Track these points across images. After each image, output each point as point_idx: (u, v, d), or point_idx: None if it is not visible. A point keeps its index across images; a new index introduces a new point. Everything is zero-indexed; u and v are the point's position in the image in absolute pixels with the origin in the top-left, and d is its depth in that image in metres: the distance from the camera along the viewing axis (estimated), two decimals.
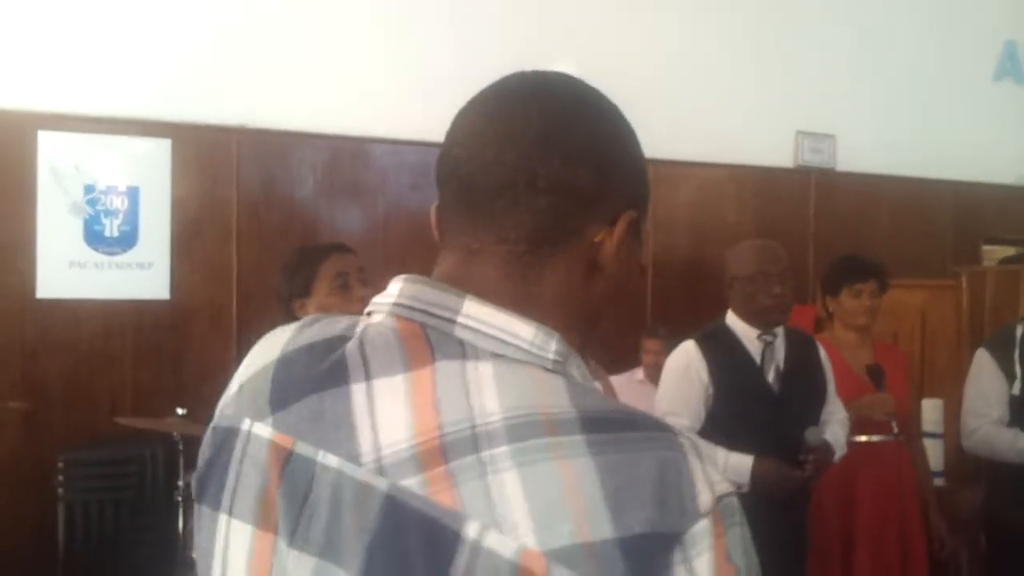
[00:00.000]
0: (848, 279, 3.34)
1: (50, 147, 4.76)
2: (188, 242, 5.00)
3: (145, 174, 4.93)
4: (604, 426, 0.70)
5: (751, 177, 6.29)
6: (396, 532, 0.69)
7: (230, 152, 5.06)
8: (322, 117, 5.10)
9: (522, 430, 0.69)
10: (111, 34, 4.85)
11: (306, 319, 0.89)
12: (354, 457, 0.73)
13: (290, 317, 2.48)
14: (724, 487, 0.70)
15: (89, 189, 4.84)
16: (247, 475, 0.79)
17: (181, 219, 4.98)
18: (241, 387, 0.85)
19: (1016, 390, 3.15)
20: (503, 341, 0.76)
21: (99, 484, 4.62)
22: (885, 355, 3.35)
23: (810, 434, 2.73)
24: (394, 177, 5.35)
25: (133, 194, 4.92)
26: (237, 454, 0.81)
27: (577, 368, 0.79)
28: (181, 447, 4.02)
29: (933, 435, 3.51)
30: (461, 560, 0.66)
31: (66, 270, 4.80)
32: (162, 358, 4.84)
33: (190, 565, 3.40)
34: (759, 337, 2.85)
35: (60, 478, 4.57)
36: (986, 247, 6.70)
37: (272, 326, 0.95)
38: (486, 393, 0.72)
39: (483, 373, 0.73)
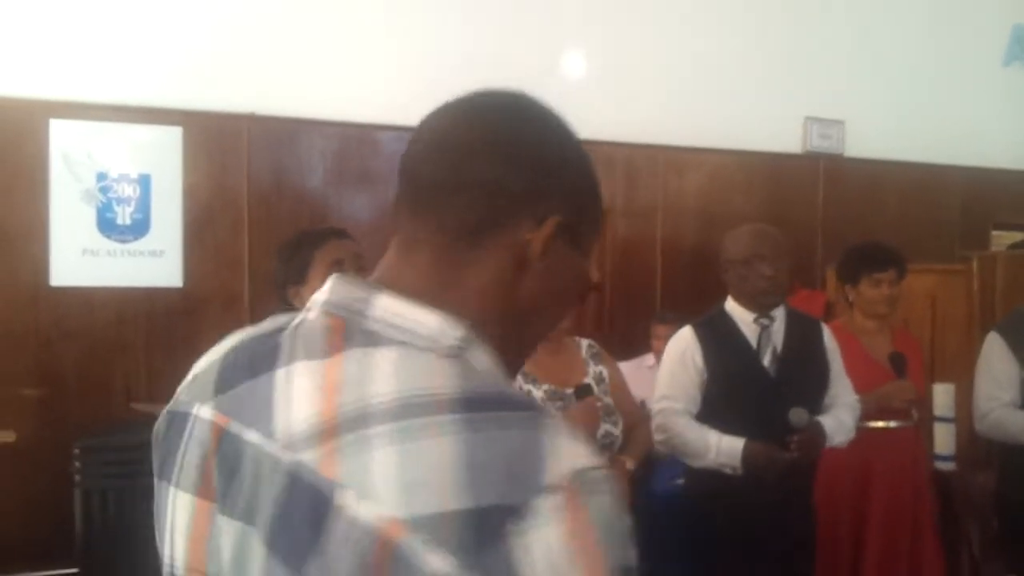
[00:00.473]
0: (867, 268, 3.31)
1: (62, 135, 4.75)
2: (200, 230, 4.99)
3: (156, 162, 4.92)
4: (481, 406, 0.75)
5: (760, 163, 6.25)
6: (292, 501, 0.76)
7: (240, 139, 5.05)
8: (331, 105, 5.08)
9: (408, 410, 0.74)
10: (122, 22, 4.84)
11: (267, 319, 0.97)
12: (270, 434, 0.80)
13: (285, 303, 2.42)
14: (585, 461, 0.73)
15: (101, 177, 4.84)
16: (191, 452, 0.88)
17: (192, 207, 4.97)
18: (195, 376, 0.95)
19: None
20: (409, 330, 0.82)
21: (115, 470, 4.62)
22: (903, 342, 3.34)
23: (794, 415, 2.70)
24: None
25: (145, 182, 4.91)
26: (185, 435, 0.90)
27: (483, 354, 0.84)
28: None
29: (945, 419, 3.49)
30: (334, 526, 0.72)
31: (79, 258, 4.80)
32: (175, 345, 4.83)
33: None
34: (756, 321, 2.84)
35: (76, 464, 4.57)
36: (995, 232, 6.67)
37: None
38: (384, 377, 0.78)
39: (386, 358, 0.80)
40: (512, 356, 0.92)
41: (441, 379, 0.77)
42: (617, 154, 5.91)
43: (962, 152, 6.57)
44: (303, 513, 0.74)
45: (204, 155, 5.01)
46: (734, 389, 2.80)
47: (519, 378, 2.57)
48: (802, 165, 6.40)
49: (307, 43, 5.15)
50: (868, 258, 3.32)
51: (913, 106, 6.51)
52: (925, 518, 3.26)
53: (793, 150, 6.38)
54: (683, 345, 2.88)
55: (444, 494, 0.70)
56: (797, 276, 5.90)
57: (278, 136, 5.08)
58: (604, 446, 2.59)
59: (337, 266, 2.37)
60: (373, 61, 5.25)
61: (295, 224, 4.92)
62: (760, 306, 2.83)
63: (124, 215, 4.88)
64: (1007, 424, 3.11)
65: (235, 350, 0.92)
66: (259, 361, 0.87)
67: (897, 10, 6.52)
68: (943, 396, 3.48)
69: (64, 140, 4.75)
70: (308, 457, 0.76)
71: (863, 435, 3.20)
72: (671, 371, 2.86)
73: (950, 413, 3.48)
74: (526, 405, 0.77)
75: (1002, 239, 6.64)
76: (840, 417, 2.86)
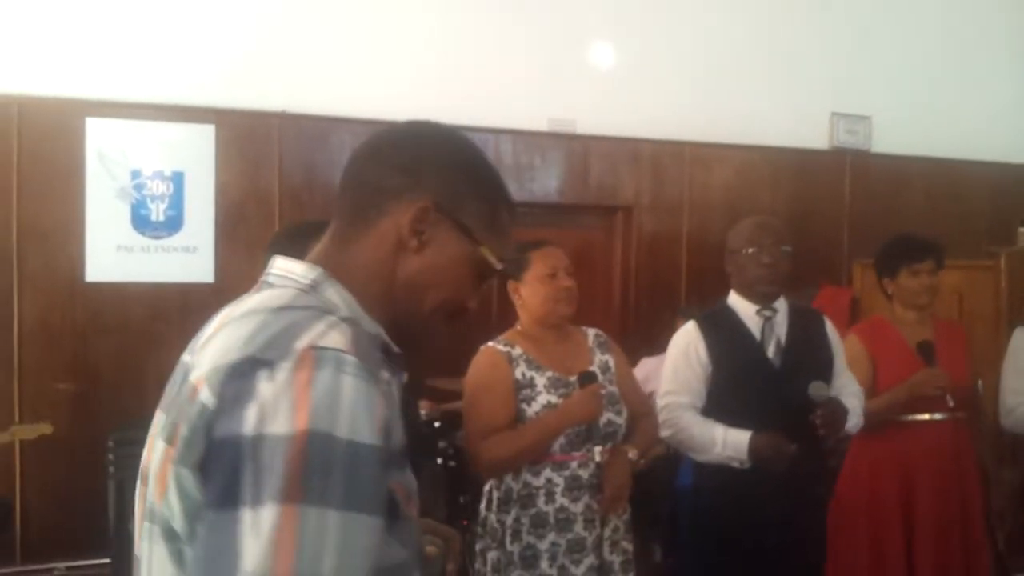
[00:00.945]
0: (906, 259, 3.27)
1: (97, 134, 4.80)
2: (232, 226, 5.03)
3: (189, 159, 4.96)
4: (289, 308, 1.05)
5: (786, 159, 6.21)
6: (176, 382, 1.07)
7: (272, 137, 5.08)
8: (362, 102, 5.09)
9: (246, 314, 1.05)
10: (156, 23, 4.88)
11: None
12: (190, 351, 1.10)
13: None
14: (329, 342, 0.97)
15: (135, 174, 4.88)
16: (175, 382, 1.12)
17: (225, 204, 5.01)
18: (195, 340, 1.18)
19: None
20: (285, 277, 1.13)
21: None
22: (945, 331, 3.30)
23: (814, 388, 2.67)
24: None
25: (178, 179, 4.95)
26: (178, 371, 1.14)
27: (333, 291, 1.11)
28: None
29: None
30: (180, 391, 1.02)
31: (114, 254, 4.85)
32: None
33: None
34: (758, 312, 2.83)
35: (110, 456, 4.62)
36: (1022, 229, 6.57)
37: None
38: (251, 302, 1.08)
39: (260, 293, 1.11)
40: (406, 322, 1.16)
41: (279, 298, 1.07)
42: (643, 150, 5.89)
43: (989, 148, 6.52)
44: (177, 387, 1.04)
45: (236, 153, 5.04)
46: (739, 381, 2.78)
47: (522, 364, 2.59)
48: (828, 161, 6.35)
49: (337, 42, 5.17)
50: (906, 249, 3.29)
51: (939, 102, 6.45)
52: (974, 512, 3.21)
53: (819, 146, 6.35)
54: (687, 340, 2.88)
55: (228, 354, 0.98)
56: (823, 272, 5.87)
57: (309, 134, 5.10)
58: (607, 435, 2.58)
59: None
60: (402, 59, 5.26)
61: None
62: (760, 296, 2.83)
63: (158, 212, 4.92)
64: None
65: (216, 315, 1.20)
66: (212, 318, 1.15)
67: (923, 7, 6.46)
68: None
69: (99, 138, 4.80)
70: (190, 356, 1.07)
71: (903, 429, 3.19)
72: (675, 366, 2.86)
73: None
74: (323, 311, 1.04)
75: None
76: (851, 404, 2.84)
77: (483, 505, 2.68)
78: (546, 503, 2.53)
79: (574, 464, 2.54)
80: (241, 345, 0.98)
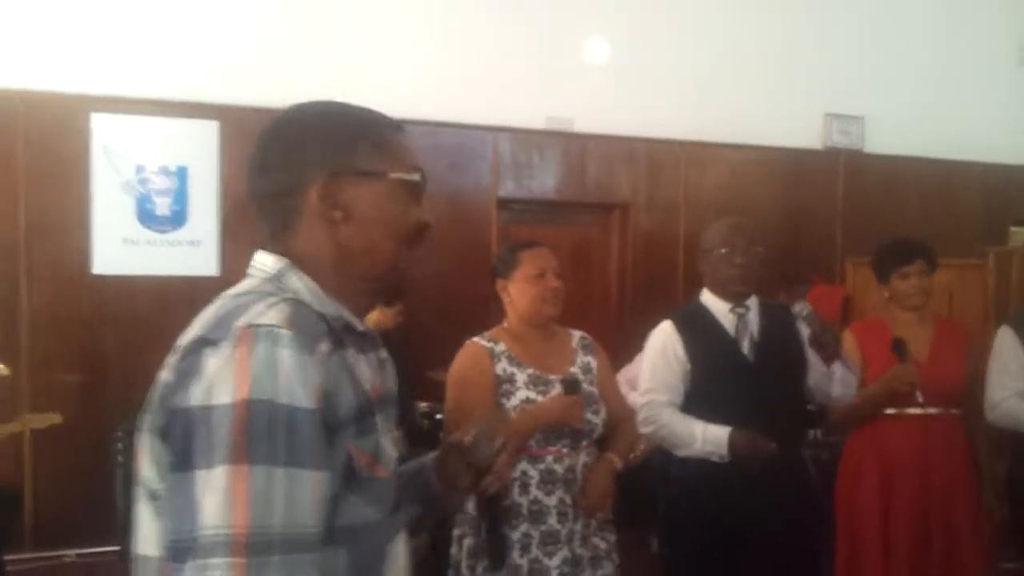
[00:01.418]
0: (894, 263, 3.32)
1: (103, 129, 4.84)
2: (236, 221, 5.05)
3: (194, 155, 5.00)
4: (248, 293, 1.15)
5: (780, 159, 6.25)
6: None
7: None
8: (362, 99, 5.09)
9: (219, 300, 1.17)
10: (161, 20, 4.92)
11: None
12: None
13: None
14: (265, 319, 1.07)
15: (140, 169, 4.92)
16: None
17: (229, 198, 5.04)
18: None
19: None
20: (259, 268, 1.22)
21: None
22: (945, 330, 3.35)
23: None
24: (432, 158, 5.36)
25: (182, 174, 4.99)
26: None
27: (295, 278, 1.20)
28: None
29: None
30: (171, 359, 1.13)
31: (120, 247, 4.89)
32: None
33: None
34: (732, 310, 2.87)
35: (119, 445, 4.66)
36: (1014, 228, 6.62)
37: None
38: (230, 291, 1.19)
39: (240, 283, 1.22)
40: (381, 278, 1.27)
41: (242, 286, 1.20)
42: (640, 149, 5.93)
43: (981, 149, 6.55)
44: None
45: (240, 148, 5.05)
46: (716, 377, 2.82)
47: (504, 359, 2.64)
48: (822, 161, 6.39)
49: (338, 40, 5.21)
50: (894, 253, 3.33)
51: (932, 102, 6.49)
52: (963, 509, 3.24)
53: (813, 146, 6.38)
54: (664, 338, 2.90)
55: (188, 335, 1.10)
56: (816, 269, 5.91)
57: None
58: (584, 433, 2.62)
59: None
60: (403, 58, 5.29)
61: None
62: (732, 295, 2.87)
63: (163, 206, 4.95)
64: (1018, 413, 3.13)
65: None
66: None
67: (916, 8, 6.49)
68: None
69: (105, 133, 4.84)
70: (185, 338, 1.14)
71: (885, 424, 3.25)
72: (653, 364, 2.89)
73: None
74: (270, 292, 1.15)
75: (1022, 235, 6.60)
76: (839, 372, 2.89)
77: None
78: (520, 495, 2.56)
79: (549, 458, 2.58)
80: (198, 328, 1.10)
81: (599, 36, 5.73)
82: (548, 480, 2.57)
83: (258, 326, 1.06)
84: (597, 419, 2.65)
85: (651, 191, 5.97)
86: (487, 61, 5.44)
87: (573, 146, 5.80)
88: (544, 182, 5.78)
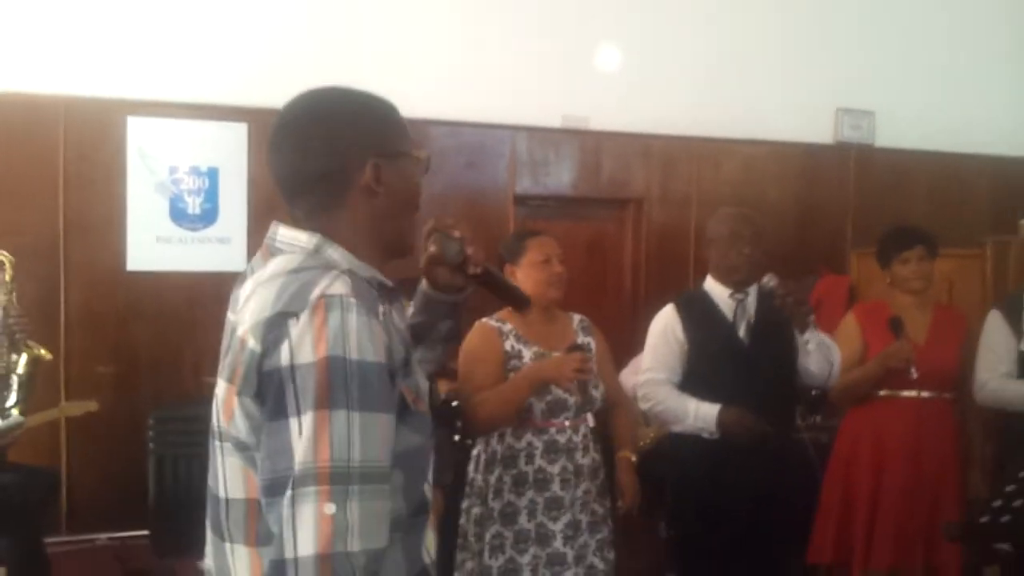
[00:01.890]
0: (895, 249, 3.42)
1: (138, 131, 4.99)
2: (263, 218, 5.09)
3: (224, 156, 5.14)
4: (302, 270, 1.29)
5: (791, 153, 6.32)
6: (226, 340, 1.35)
7: None
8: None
9: (271, 278, 1.30)
10: (193, 28, 5.07)
11: None
12: (232, 311, 1.37)
13: None
14: (334, 291, 1.24)
15: (173, 170, 5.08)
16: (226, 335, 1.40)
17: (257, 197, 5.17)
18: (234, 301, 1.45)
19: None
20: (292, 243, 1.37)
21: (186, 439, 4.82)
22: (944, 316, 3.45)
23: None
24: (452, 157, 5.48)
25: (213, 174, 5.14)
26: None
27: (332, 251, 1.35)
28: None
29: None
30: (232, 344, 1.30)
31: (153, 244, 5.04)
32: None
33: None
34: (731, 296, 2.99)
35: (150, 433, 4.79)
36: (1023, 221, 6.62)
37: None
38: (271, 266, 1.33)
39: (277, 258, 1.35)
40: (394, 246, 1.44)
41: (292, 261, 1.32)
42: (653, 145, 6.02)
43: (991, 142, 6.58)
44: (227, 343, 1.33)
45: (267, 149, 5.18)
46: (713, 358, 2.98)
47: (511, 338, 2.80)
48: (833, 155, 6.45)
49: (361, 45, 5.32)
50: (896, 239, 3.43)
51: (942, 97, 6.52)
52: (950, 492, 3.32)
53: (824, 140, 6.44)
54: (665, 321, 3.07)
55: (263, 311, 1.25)
56: (826, 262, 5.97)
57: None
58: (582, 406, 2.76)
59: None
60: (424, 59, 5.40)
61: None
62: (736, 281, 3.00)
63: (194, 205, 5.11)
64: (1003, 392, 3.23)
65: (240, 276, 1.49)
66: (240, 279, 1.42)
67: (924, 3, 6.53)
68: None
69: (140, 136, 4.99)
70: (232, 316, 1.35)
71: (880, 405, 3.35)
72: (655, 344, 3.06)
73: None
74: (325, 267, 1.30)
75: None
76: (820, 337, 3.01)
77: (471, 467, 2.88)
78: (526, 464, 2.73)
79: (552, 430, 2.76)
80: (272, 303, 1.25)
81: (612, 37, 5.81)
82: (552, 450, 2.74)
83: (330, 296, 1.22)
84: (596, 393, 2.80)
85: (664, 186, 6.07)
86: (505, 63, 5.54)
87: (588, 143, 5.89)
88: (560, 178, 5.88)
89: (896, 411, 3.31)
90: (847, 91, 6.40)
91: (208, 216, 5.14)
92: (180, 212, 5.09)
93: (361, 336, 1.22)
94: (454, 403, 4.75)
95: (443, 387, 4.80)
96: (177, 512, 4.73)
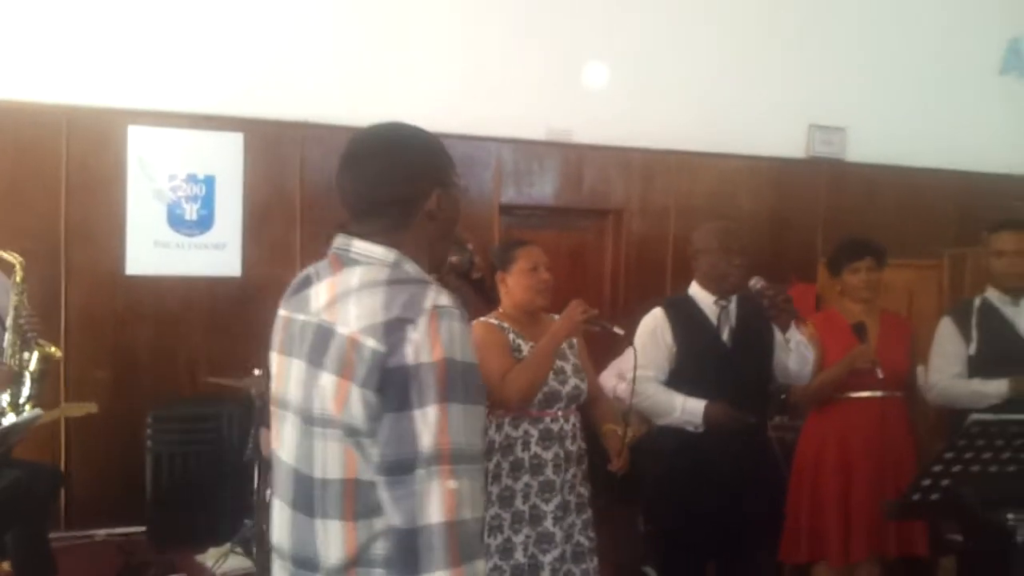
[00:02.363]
0: (846, 259, 3.59)
1: (138, 141, 5.11)
2: (258, 226, 5.34)
3: (220, 164, 5.28)
4: (396, 282, 1.46)
5: (766, 167, 6.50)
6: (317, 337, 1.48)
7: (296, 145, 5.39)
8: (382, 114, 5.29)
9: (364, 286, 1.46)
10: (192, 40, 5.20)
11: None
12: (309, 313, 1.53)
13: None
14: (443, 303, 1.42)
15: (171, 178, 5.20)
16: (277, 332, 1.64)
17: (252, 205, 5.32)
18: (286, 295, 1.66)
19: (972, 351, 3.43)
20: (369, 256, 1.52)
21: (182, 437, 4.97)
22: (889, 322, 3.61)
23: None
24: None
25: (209, 182, 5.27)
26: (277, 324, 1.65)
27: (408, 264, 1.52)
28: (258, 404, 4.08)
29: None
30: (332, 341, 1.44)
31: (151, 249, 5.16)
32: (234, 328, 5.13)
33: (263, 509, 3.63)
34: (716, 302, 3.19)
35: (148, 431, 4.91)
36: (986, 234, 6.76)
37: None
38: (357, 276, 1.49)
39: (358, 268, 1.51)
40: (438, 261, 1.63)
41: (379, 274, 1.48)
42: (633, 158, 6.20)
43: (959, 158, 6.75)
44: (321, 340, 1.47)
45: (263, 159, 5.35)
46: (698, 359, 3.17)
47: (511, 333, 2.99)
48: (805, 169, 6.64)
49: (353, 59, 5.47)
50: (846, 250, 3.61)
51: (912, 113, 6.70)
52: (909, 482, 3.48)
53: (797, 155, 6.63)
54: (654, 323, 3.25)
55: (376, 316, 1.40)
56: (797, 271, 6.13)
57: (331, 142, 5.30)
58: (573, 397, 2.97)
59: None
60: (414, 74, 5.54)
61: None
62: (725, 289, 3.18)
63: (191, 212, 5.24)
64: (952, 391, 3.44)
65: (296, 279, 1.64)
66: (302, 282, 1.60)
67: (897, 23, 6.71)
68: (916, 377, 3.74)
69: (140, 145, 5.12)
70: (323, 317, 1.48)
71: (843, 406, 3.53)
72: (643, 344, 3.20)
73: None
74: (423, 281, 1.48)
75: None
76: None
77: None
78: (522, 451, 2.91)
79: (547, 419, 2.94)
80: (384, 310, 1.41)
81: (596, 54, 5.95)
82: (546, 437, 2.93)
83: (440, 307, 1.41)
84: (583, 385, 3.00)
85: (643, 198, 6.24)
86: (491, 78, 5.69)
87: (571, 156, 6.06)
88: (543, 189, 6.04)
89: (860, 410, 3.48)
90: (819, 108, 6.58)
91: (204, 222, 5.25)
92: (177, 218, 5.21)
93: (464, 341, 1.42)
94: None
95: None
96: (174, 505, 4.88)
